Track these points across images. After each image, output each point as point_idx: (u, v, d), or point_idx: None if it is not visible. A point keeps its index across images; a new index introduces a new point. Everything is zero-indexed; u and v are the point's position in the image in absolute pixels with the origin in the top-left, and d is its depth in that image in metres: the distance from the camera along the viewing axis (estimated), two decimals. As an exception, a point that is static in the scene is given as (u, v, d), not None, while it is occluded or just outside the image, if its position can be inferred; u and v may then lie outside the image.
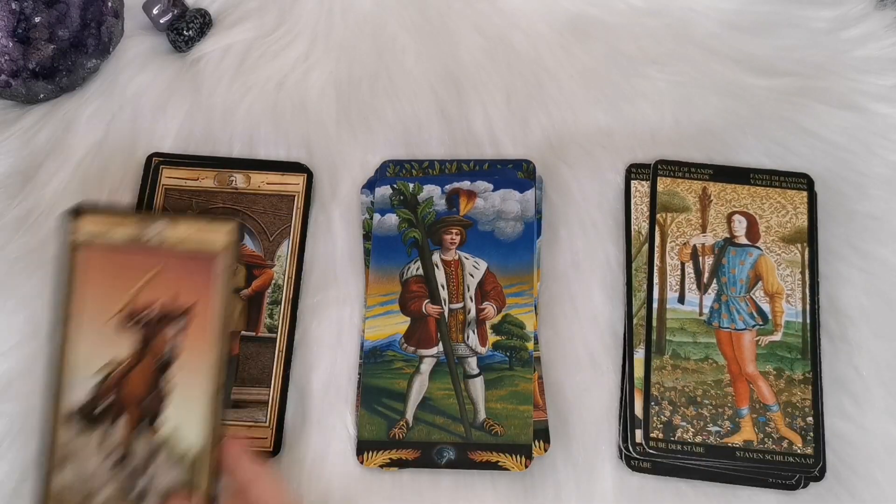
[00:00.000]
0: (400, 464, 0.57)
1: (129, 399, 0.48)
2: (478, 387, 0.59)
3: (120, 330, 0.48)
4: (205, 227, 0.49)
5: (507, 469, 0.57)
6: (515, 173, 0.65)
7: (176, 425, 0.48)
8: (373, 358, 0.60)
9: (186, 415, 0.48)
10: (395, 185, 0.65)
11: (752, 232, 0.63)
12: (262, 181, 0.65)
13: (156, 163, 0.65)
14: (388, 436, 0.58)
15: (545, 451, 0.57)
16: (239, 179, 0.65)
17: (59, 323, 0.48)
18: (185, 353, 0.48)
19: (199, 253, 0.48)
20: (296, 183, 0.65)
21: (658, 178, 0.64)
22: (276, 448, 0.58)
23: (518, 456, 0.57)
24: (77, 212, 0.48)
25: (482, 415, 0.58)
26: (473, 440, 0.57)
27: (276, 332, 0.61)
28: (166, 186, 0.65)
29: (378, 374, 0.60)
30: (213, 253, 0.48)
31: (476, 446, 0.57)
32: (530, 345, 0.60)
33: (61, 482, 0.48)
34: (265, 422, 0.58)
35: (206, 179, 0.65)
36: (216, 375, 0.47)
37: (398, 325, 0.61)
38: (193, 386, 0.48)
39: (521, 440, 0.57)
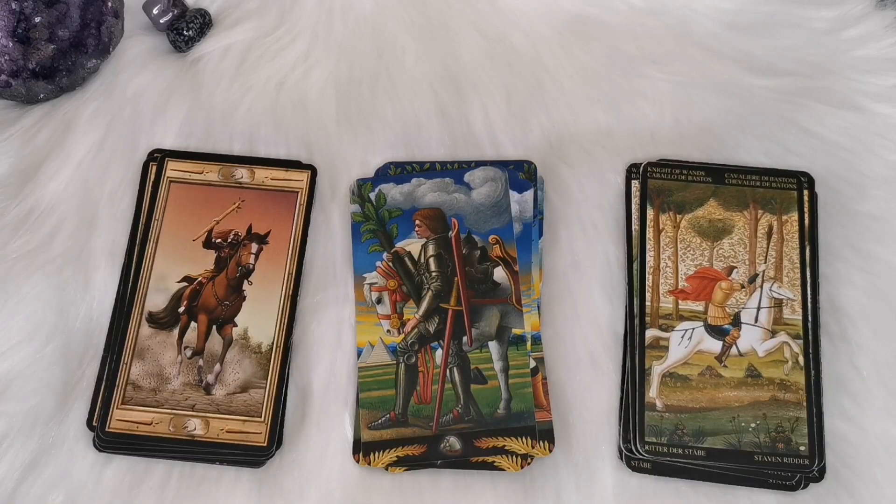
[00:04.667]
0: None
1: (207, 304, 0.61)
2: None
3: (201, 249, 0.62)
4: (284, 172, 0.65)
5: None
6: (516, 174, 0.65)
7: (248, 326, 0.60)
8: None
9: (259, 318, 0.60)
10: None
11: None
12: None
13: (160, 156, 0.66)
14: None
15: (550, 451, 0.57)
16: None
17: (149, 242, 0.61)
18: (261, 268, 0.61)
19: (280, 191, 0.63)
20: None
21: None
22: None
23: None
24: (165, 156, 0.62)
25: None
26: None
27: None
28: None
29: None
30: (293, 191, 0.63)
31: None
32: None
33: (138, 370, 0.59)
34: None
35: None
36: (286, 287, 0.61)
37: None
38: (266, 296, 0.61)
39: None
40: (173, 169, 0.65)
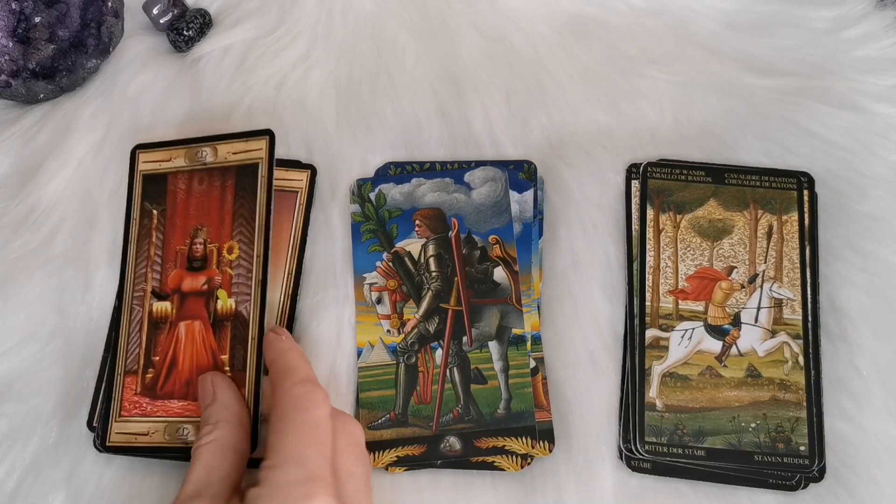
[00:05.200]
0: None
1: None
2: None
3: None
4: (284, 171, 0.63)
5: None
6: (516, 174, 0.65)
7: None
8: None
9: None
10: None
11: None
12: None
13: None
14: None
15: (550, 451, 0.57)
16: None
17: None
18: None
19: (280, 191, 0.61)
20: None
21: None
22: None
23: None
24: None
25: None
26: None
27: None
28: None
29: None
30: (293, 191, 0.62)
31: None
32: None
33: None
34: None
35: None
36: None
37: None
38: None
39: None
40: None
